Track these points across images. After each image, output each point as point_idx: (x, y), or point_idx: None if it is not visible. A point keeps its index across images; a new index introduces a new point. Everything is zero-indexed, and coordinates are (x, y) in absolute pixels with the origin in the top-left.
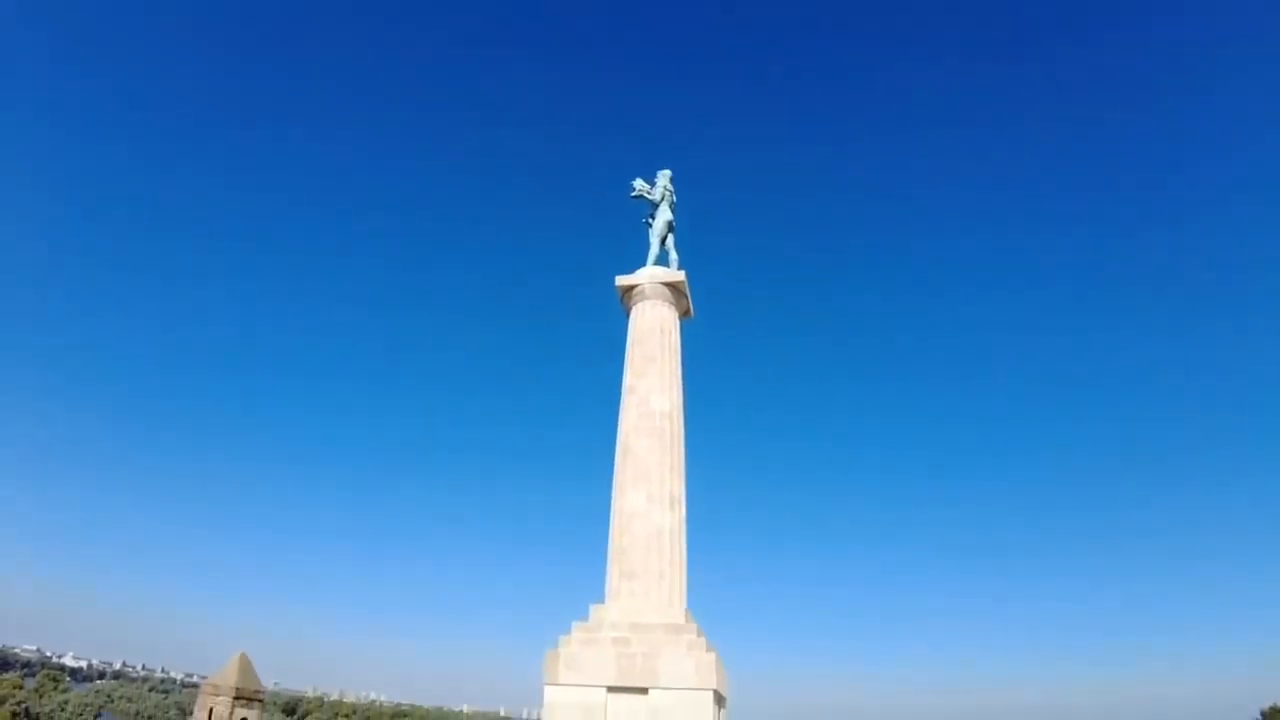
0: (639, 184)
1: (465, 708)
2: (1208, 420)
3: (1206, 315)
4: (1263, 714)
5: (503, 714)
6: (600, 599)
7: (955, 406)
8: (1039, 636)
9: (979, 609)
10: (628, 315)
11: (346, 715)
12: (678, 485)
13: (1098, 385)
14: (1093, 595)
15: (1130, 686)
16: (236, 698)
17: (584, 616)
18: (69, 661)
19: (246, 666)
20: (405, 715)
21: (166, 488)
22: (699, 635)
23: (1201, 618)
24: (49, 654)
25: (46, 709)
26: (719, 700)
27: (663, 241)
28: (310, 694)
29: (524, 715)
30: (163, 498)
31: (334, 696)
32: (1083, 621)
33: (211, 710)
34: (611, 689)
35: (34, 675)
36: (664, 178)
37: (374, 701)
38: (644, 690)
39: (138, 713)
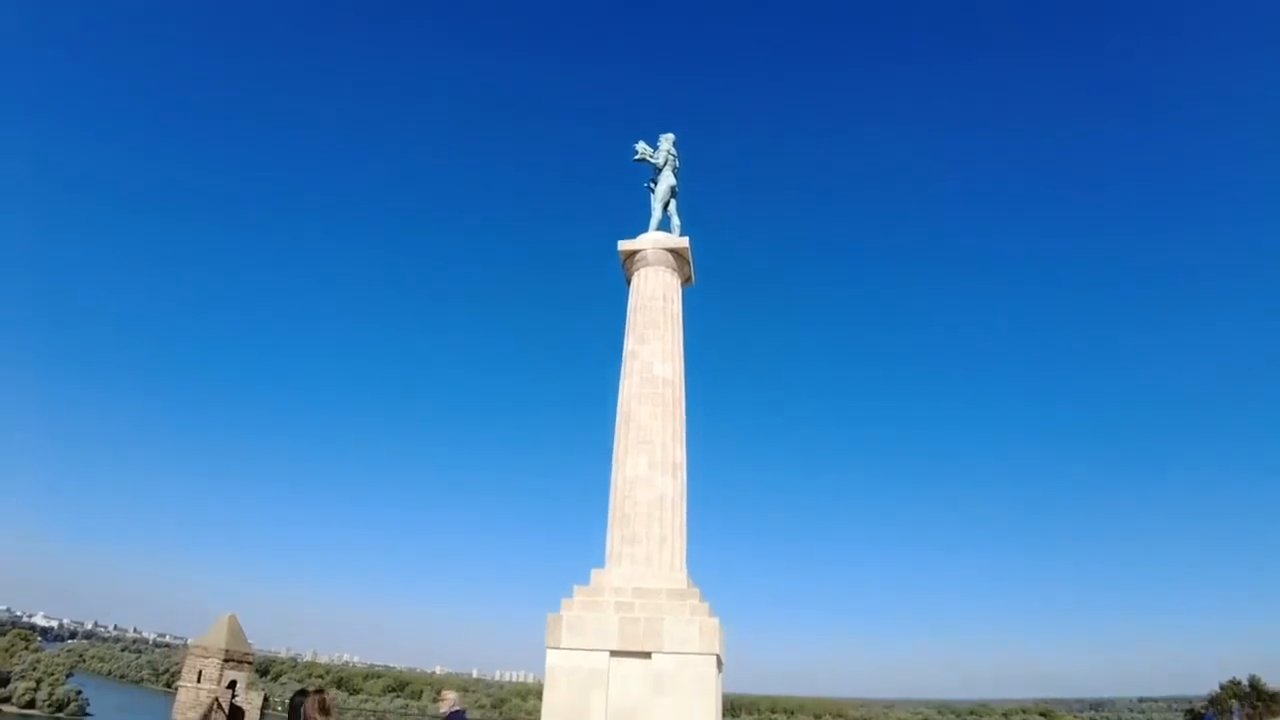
0: (641, 147)
1: (437, 669)
2: (1187, 412)
3: (1202, 313)
4: (1221, 687)
5: (475, 675)
6: (597, 565)
7: (953, 376)
8: (1019, 607)
9: (962, 576)
10: (628, 281)
11: (319, 676)
12: (679, 452)
13: (1094, 375)
14: (1065, 574)
15: (1099, 661)
16: (226, 660)
17: (584, 581)
18: (40, 621)
19: (235, 629)
20: (378, 676)
21: (138, 449)
22: (701, 600)
23: (1168, 598)
24: (19, 614)
25: (18, 668)
26: (719, 664)
27: (665, 207)
28: (283, 655)
29: (496, 677)
30: (134, 458)
31: (307, 658)
32: (1058, 597)
33: (200, 672)
34: (614, 653)
35: (4, 635)
36: (667, 141)
37: (346, 663)
38: (647, 654)
39: (110, 672)
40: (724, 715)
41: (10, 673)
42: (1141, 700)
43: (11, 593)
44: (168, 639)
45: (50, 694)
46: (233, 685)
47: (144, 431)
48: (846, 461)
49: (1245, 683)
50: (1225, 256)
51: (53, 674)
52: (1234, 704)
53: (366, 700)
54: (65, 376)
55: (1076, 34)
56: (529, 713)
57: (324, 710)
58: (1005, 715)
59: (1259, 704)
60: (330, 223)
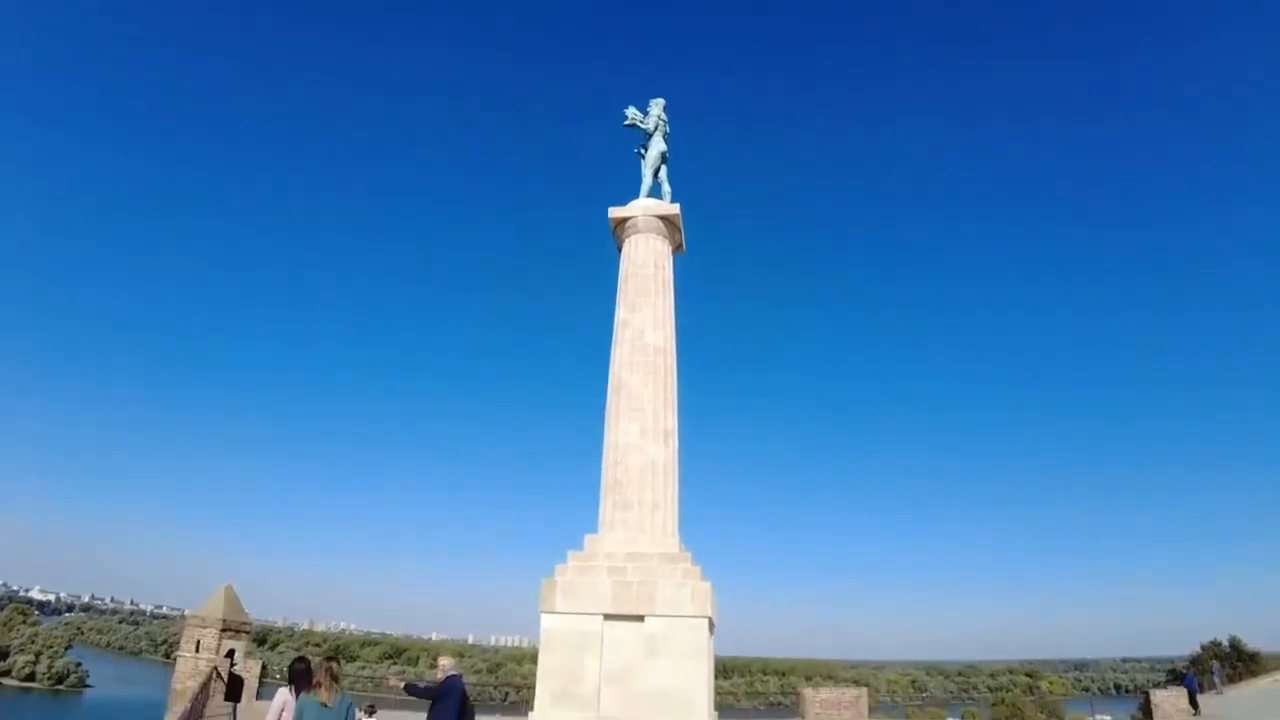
0: (632, 112)
1: (434, 635)
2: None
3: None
4: (1202, 647)
5: (471, 641)
6: (591, 531)
7: (943, 352)
8: (1006, 572)
9: (950, 541)
10: (619, 249)
11: (317, 644)
12: (670, 419)
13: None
14: (1050, 539)
15: (1083, 623)
16: (223, 630)
17: (578, 547)
18: (36, 595)
19: (232, 599)
20: (374, 643)
21: (133, 426)
22: (693, 564)
23: (1151, 561)
24: (16, 588)
25: (16, 642)
26: (710, 626)
27: (655, 173)
28: (280, 624)
29: (491, 641)
30: (130, 434)
31: (304, 626)
32: (1044, 562)
33: (199, 643)
34: (608, 616)
35: (1, 609)
36: (657, 107)
37: (343, 630)
38: (640, 618)
39: (108, 644)
40: (715, 676)
41: (9, 646)
42: (1124, 660)
43: (7, 567)
44: (165, 610)
45: (50, 667)
46: (231, 654)
47: (139, 409)
48: (838, 430)
49: (1226, 643)
50: (1223, 251)
51: (51, 647)
52: (1214, 664)
53: (364, 667)
54: (62, 363)
55: (1075, 33)
56: (524, 676)
57: (334, 678)
58: (993, 676)
59: (1239, 663)
60: (331, 219)
